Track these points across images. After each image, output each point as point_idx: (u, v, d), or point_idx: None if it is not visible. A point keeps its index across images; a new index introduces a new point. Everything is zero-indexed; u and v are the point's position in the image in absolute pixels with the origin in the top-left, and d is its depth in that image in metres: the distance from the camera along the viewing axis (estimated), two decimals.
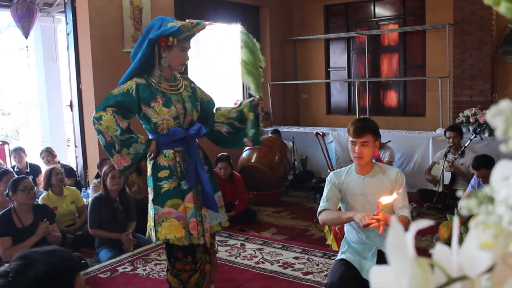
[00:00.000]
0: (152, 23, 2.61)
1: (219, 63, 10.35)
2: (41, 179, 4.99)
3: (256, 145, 2.95)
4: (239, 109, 2.75)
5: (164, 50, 2.57)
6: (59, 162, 5.50)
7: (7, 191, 3.78)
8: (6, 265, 1.30)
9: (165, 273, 3.07)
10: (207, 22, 2.78)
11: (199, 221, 2.61)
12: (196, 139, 2.68)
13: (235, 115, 2.75)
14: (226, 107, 2.88)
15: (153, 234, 2.60)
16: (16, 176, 4.13)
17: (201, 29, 2.61)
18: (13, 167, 5.41)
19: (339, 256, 2.62)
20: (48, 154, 5.45)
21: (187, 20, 2.69)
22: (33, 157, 6.23)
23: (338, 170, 2.70)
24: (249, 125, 2.72)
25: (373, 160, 2.59)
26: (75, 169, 5.76)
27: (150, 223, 2.65)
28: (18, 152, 5.50)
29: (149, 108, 2.55)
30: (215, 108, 2.85)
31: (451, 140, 5.07)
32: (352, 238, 2.59)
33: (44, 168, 5.21)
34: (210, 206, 2.68)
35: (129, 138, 2.49)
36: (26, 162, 5.56)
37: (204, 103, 2.79)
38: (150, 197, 2.64)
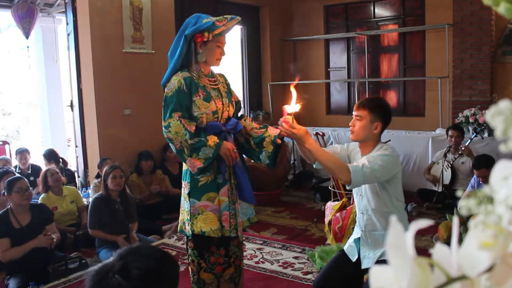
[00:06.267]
0: (188, 21, 2.68)
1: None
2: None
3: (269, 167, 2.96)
4: (261, 136, 2.72)
5: (200, 46, 2.62)
6: (61, 165, 5.47)
7: (3, 192, 3.76)
8: (108, 261, 1.25)
9: None
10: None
11: (232, 214, 2.65)
12: (232, 134, 2.70)
13: (256, 138, 2.72)
14: (248, 121, 2.84)
15: (188, 227, 2.63)
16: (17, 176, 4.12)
17: (235, 23, 2.66)
18: (15, 167, 5.41)
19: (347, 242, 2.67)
20: (22, 156, 5.44)
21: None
22: (34, 157, 6.22)
23: (353, 142, 2.64)
24: (265, 154, 2.71)
25: (381, 142, 2.47)
26: (75, 168, 5.76)
27: (185, 216, 2.66)
28: (23, 153, 5.49)
29: (191, 102, 2.58)
30: (239, 113, 2.87)
31: (453, 139, 5.03)
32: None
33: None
34: (248, 199, 2.71)
35: (198, 141, 2.49)
36: (29, 163, 5.56)
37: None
38: (186, 190, 2.65)
